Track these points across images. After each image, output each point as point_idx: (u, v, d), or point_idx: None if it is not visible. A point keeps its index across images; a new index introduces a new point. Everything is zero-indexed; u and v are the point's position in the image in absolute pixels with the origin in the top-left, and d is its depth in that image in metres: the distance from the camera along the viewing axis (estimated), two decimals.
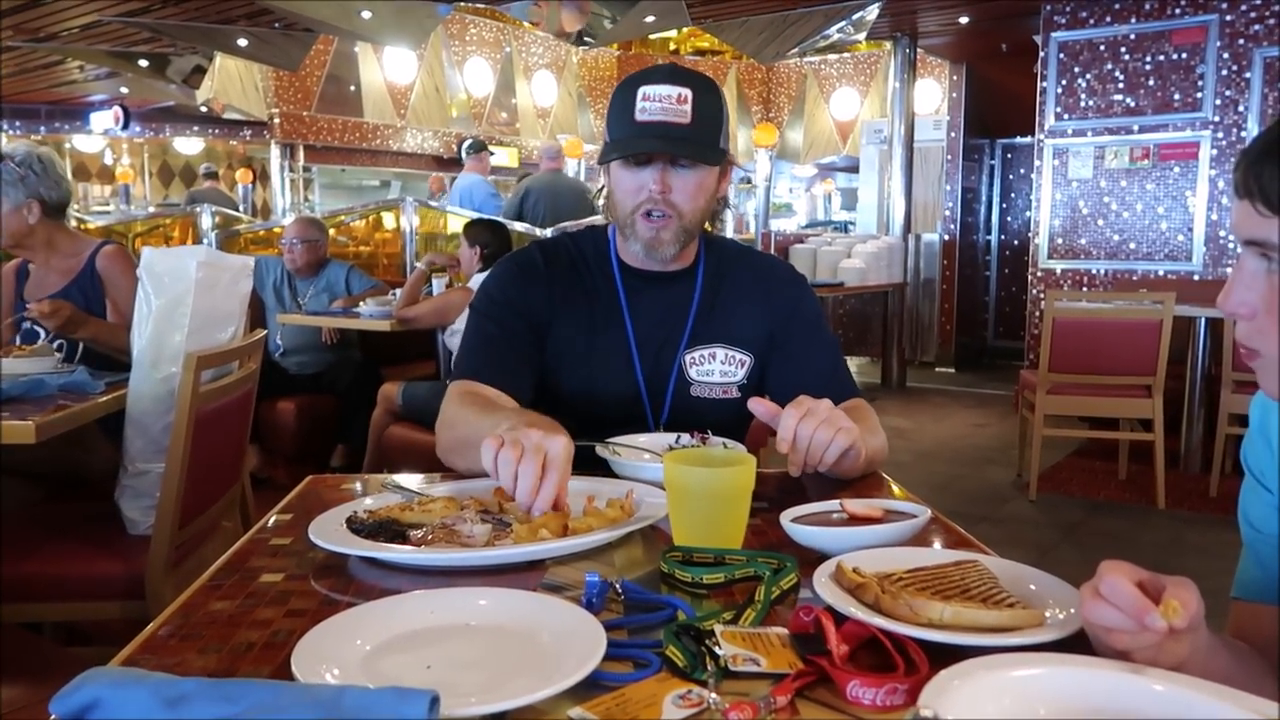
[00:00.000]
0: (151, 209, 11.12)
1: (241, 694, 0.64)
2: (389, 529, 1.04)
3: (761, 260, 1.65)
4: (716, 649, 0.76)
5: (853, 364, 8.65)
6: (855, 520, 1.07)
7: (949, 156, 8.72)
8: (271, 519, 1.17)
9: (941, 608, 0.80)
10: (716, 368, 1.54)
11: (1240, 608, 0.97)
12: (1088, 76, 6.39)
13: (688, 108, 1.38)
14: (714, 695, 0.70)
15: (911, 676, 0.71)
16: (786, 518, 1.06)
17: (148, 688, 0.65)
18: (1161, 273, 6.21)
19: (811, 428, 1.17)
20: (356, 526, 1.05)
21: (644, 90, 1.39)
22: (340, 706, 0.63)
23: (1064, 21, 6.46)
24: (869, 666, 0.76)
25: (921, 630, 0.78)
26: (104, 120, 11.58)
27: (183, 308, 2.01)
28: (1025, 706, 0.68)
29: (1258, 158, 0.78)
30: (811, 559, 0.96)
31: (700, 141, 1.41)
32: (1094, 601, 0.73)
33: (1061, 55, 6.47)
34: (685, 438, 1.40)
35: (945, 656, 0.73)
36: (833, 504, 1.12)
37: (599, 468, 1.33)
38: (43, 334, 2.48)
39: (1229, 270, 0.86)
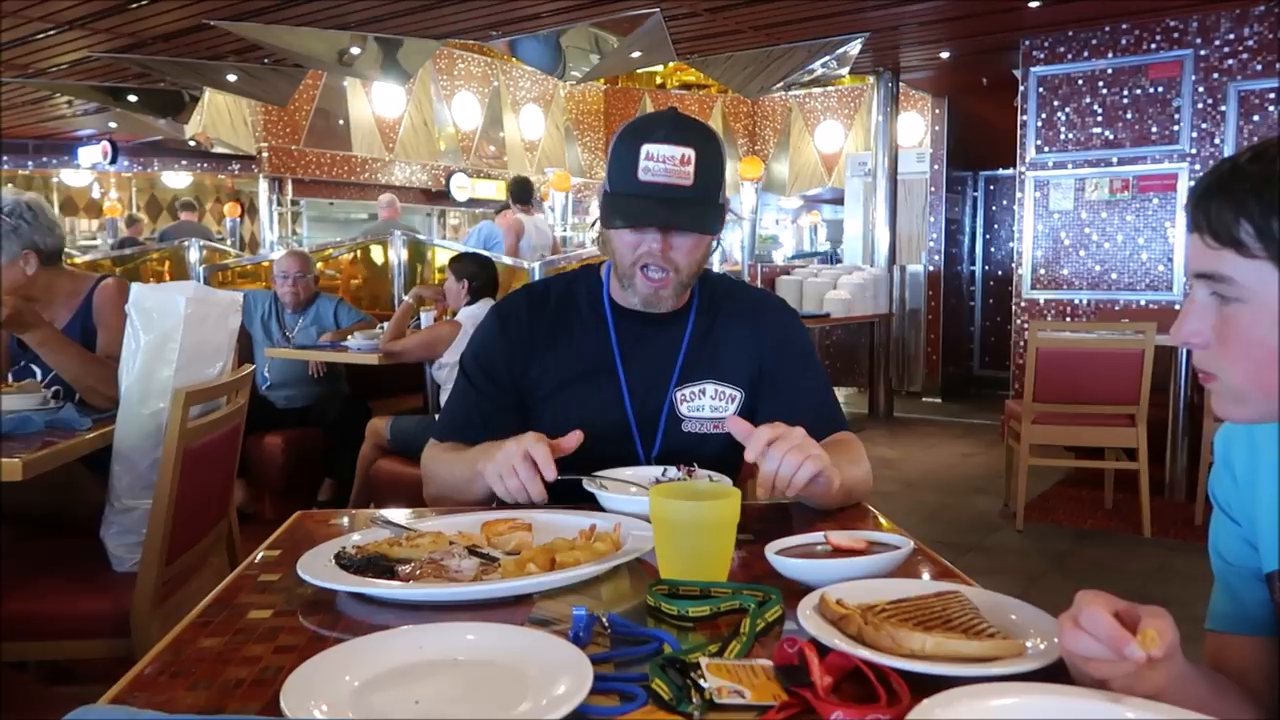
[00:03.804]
0: (119, 240, 11.06)
1: None
2: (377, 564, 1.04)
3: (752, 295, 1.68)
4: (702, 681, 0.77)
5: (840, 394, 8.66)
6: (839, 552, 1.09)
7: (932, 188, 8.82)
8: (260, 555, 1.18)
9: (923, 638, 0.81)
10: (707, 403, 1.55)
11: (1214, 639, 0.99)
12: (1067, 110, 6.49)
13: (690, 169, 1.40)
14: None
15: (894, 707, 0.73)
16: (771, 550, 1.07)
17: None
18: (1143, 302, 6.28)
19: (781, 452, 1.19)
20: (345, 562, 1.05)
21: (648, 149, 1.40)
22: None
23: (1042, 56, 6.57)
24: (852, 697, 0.77)
25: (904, 661, 0.79)
26: (92, 155, 11.59)
27: (171, 343, 2.02)
28: None
29: (1205, 193, 0.82)
30: (796, 591, 0.97)
31: (702, 201, 1.43)
32: (1073, 631, 0.75)
33: (1041, 89, 6.59)
34: (672, 471, 1.41)
35: (927, 687, 0.74)
36: (817, 536, 1.13)
37: (586, 502, 1.34)
38: (39, 374, 2.46)
39: None
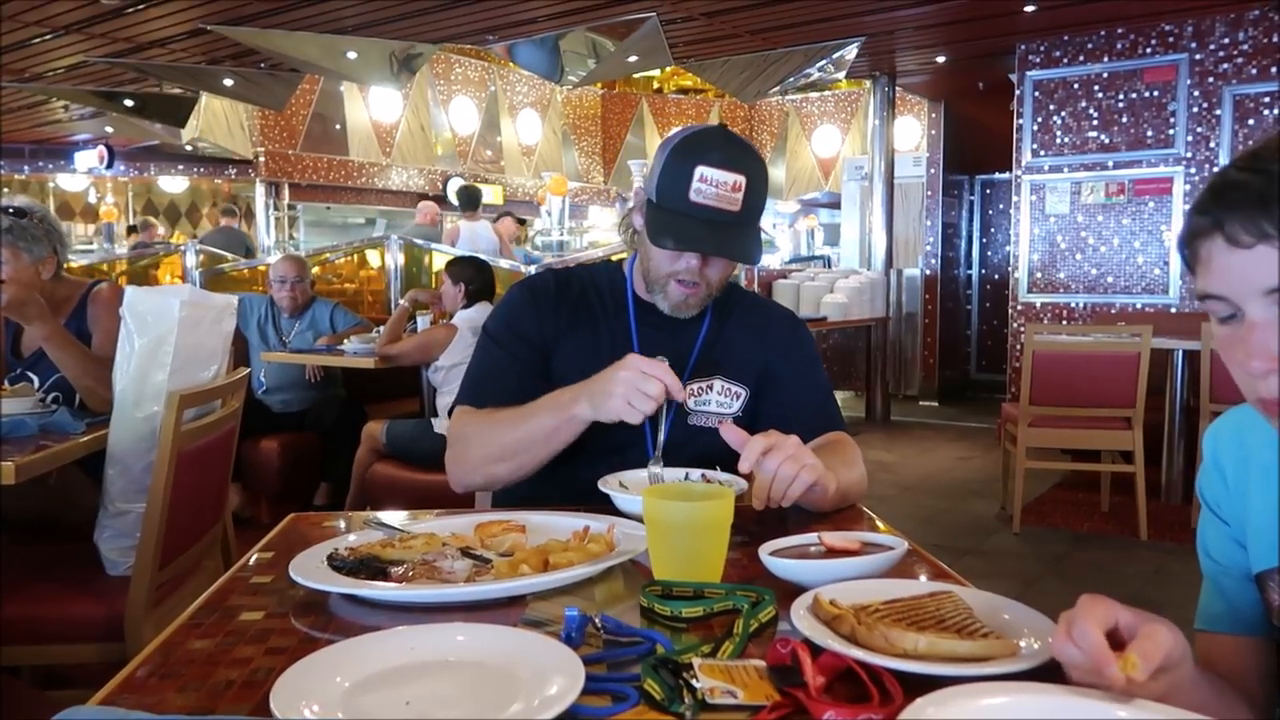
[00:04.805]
0: (128, 246, 11.08)
1: None
2: (370, 566, 1.04)
3: (764, 303, 1.75)
4: (694, 682, 0.77)
5: (837, 398, 8.68)
6: (833, 553, 1.09)
7: (929, 192, 8.84)
8: (253, 557, 1.17)
9: (916, 638, 0.81)
10: (714, 398, 1.59)
11: (1204, 639, 0.98)
12: (1063, 114, 6.51)
13: (740, 195, 1.43)
14: None
15: (886, 706, 0.72)
16: (765, 551, 1.07)
17: None
18: (1139, 305, 6.29)
19: (776, 462, 1.19)
20: (337, 564, 1.05)
21: (701, 171, 1.42)
22: None
23: (1038, 60, 6.59)
24: (845, 697, 0.76)
25: (896, 661, 0.78)
26: (88, 159, 11.59)
27: (166, 346, 2.01)
28: None
29: (1264, 197, 0.73)
30: (790, 591, 0.97)
31: (746, 227, 1.46)
32: (1064, 640, 0.74)
33: (1037, 93, 6.60)
34: (694, 474, 1.41)
35: (920, 686, 0.74)
36: (811, 537, 1.13)
37: (602, 503, 1.34)
38: (36, 381, 2.46)
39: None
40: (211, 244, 8.28)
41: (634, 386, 1.29)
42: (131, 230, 10.95)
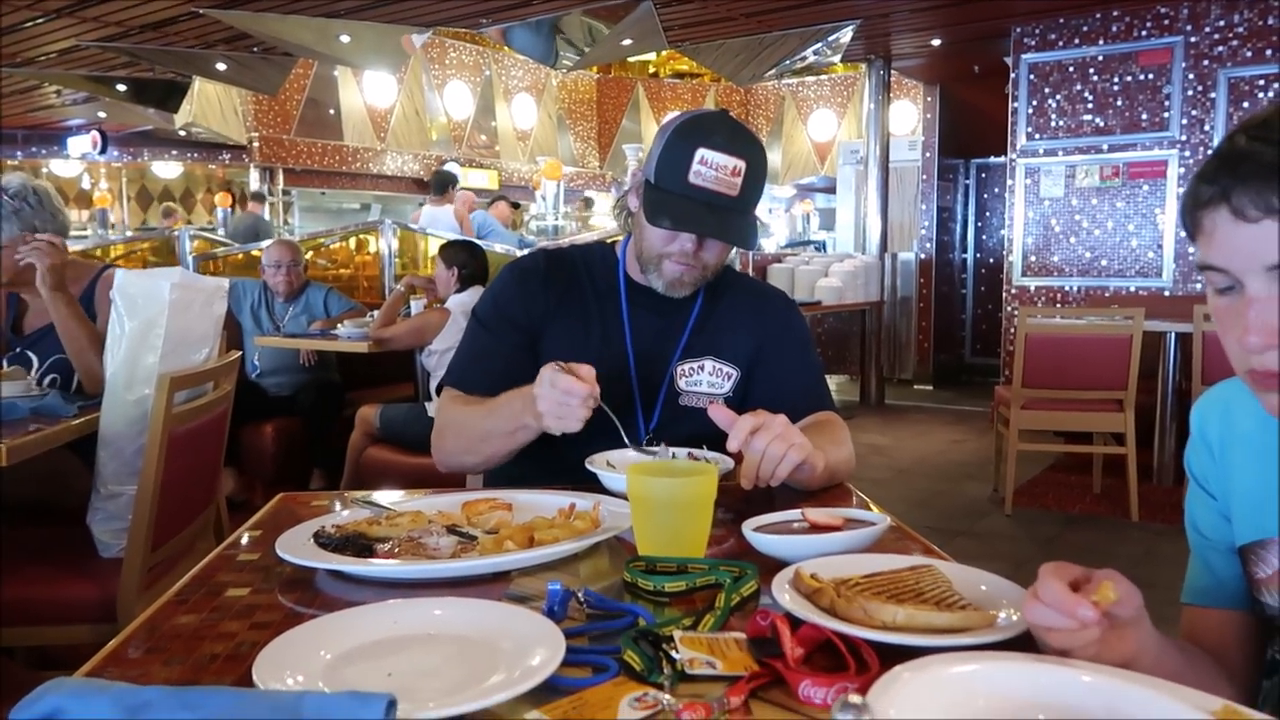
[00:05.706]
0: (129, 233, 11.07)
1: (202, 701, 0.65)
2: (356, 543, 1.05)
3: (758, 285, 1.75)
4: (674, 653, 0.78)
5: (832, 382, 8.70)
6: (816, 529, 1.09)
7: (924, 176, 8.83)
8: (245, 536, 1.18)
9: (895, 610, 0.82)
10: (705, 379, 1.60)
11: (1190, 612, 0.99)
12: (1058, 97, 6.50)
13: (739, 180, 1.43)
14: (668, 697, 0.72)
15: (862, 676, 0.73)
16: (748, 526, 1.08)
17: (109, 696, 0.65)
18: (1133, 289, 6.30)
19: (765, 442, 1.20)
20: (324, 541, 1.06)
21: (703, 154, 1.42)
22: (299, 711, 0.64)
23: (1033, 43, 6.57)
24: (824, 668, 0.77)
25: (875, 632, 0.79)
26: (81, 145, 11.54)
27: (156, 329, 2.02)
28: (966, 699, 0.70)
29: (1269, 170, 0.72)
30: (773, 566, 0.98)
31: (743, 212, 1.47)
32: (1032, 603, 0.76)
33: (1032, 76, 6.59)
34: (680, 452, 1.42)
35: (899, 657, 0.75)
36: (794, 513, 1.14)
37: (589, 482, 1.34)
38: (35, 360, 2.45)
39: (1199, 286, 0.81)
40: (238, 228, 8.29)
41: (555, 403, 1.27)
42: (168, 215, 10.91)
